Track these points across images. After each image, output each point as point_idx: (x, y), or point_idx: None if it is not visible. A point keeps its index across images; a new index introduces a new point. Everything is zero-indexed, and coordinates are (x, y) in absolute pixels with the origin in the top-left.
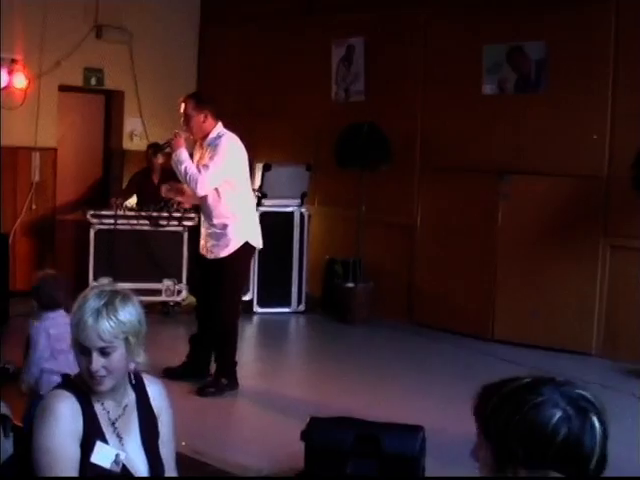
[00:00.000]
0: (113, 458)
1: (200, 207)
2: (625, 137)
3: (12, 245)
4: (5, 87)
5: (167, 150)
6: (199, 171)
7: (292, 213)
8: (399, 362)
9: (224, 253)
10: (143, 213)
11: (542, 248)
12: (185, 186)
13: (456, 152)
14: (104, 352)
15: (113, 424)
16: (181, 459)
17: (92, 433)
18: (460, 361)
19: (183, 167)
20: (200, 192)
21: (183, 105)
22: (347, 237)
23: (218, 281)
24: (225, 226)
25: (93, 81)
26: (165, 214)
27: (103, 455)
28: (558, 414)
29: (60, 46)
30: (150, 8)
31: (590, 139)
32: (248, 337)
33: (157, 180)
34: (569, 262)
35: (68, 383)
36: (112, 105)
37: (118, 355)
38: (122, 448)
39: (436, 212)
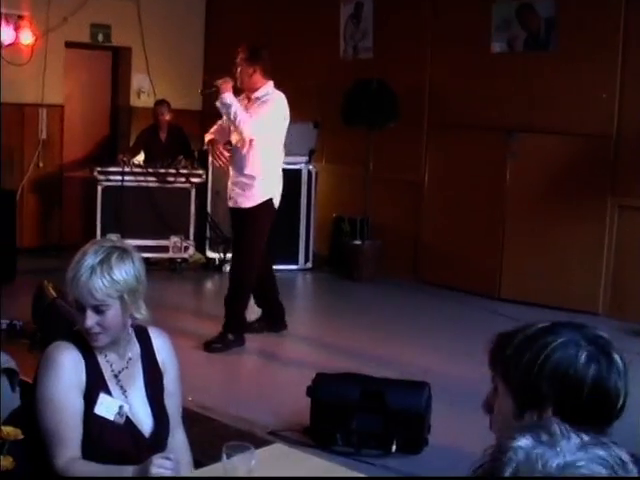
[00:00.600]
0: (117, 410)
1: (232, 156)
2: (634, 96)
3: (19, 202)
4: (12, 43)
5: (213, 90)
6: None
7: (300, 171)
8: (405, 319)
9: (246, 204)
10: (150, 170)
11: (550, 207)
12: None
13: (464, 110)
14: (98, 310)
15: (116, 376)
16: (187, 414)
17: (95, 385)
18: (465, 319)
19: (232, 109)
20: (245, 133)
21: (237, 54)
22: (354, 195)
23: (236, 233)
24: (253, 178)
25: (100, 37)
26: (172, 171)
27: (106, 407)
28: (584, 353)
29: (67, 2)
30: None
31: (599, 98)
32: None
33: (164, 137)
34: (577, 221)
35: (71, 335)
36: (119, 62)
37: (112, 313)
38: (126, 400)
39: (444, 170)
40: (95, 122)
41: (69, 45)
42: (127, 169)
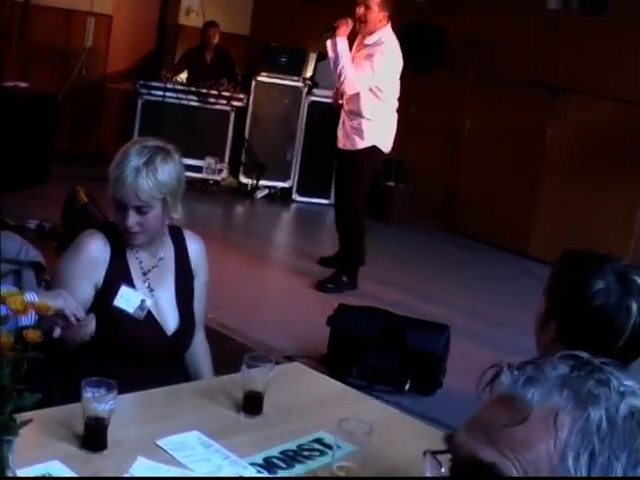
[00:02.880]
0: (138, 303)
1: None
2: None
3: (59, 107)
4: None
5: (328, 34)
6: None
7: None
8: (430, 265)
9: (350, 147)
10: (192, 88)
11: (587, 169)
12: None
13: (512, 64)
14: (140, 210)
15: (145, 274)
16: (206, 330)
17: (117, 278)
18: (492, 273)
19: (341, 61)
20: (347, 90)
21: None
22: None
23: (341, 175)
24: (360, 124)
25: None
26: (214, 92)
27: (127, 299)
28: (600, 285)
29: None
30: None
31: None
32: (284, 224)
33: (210, 58)
34: (613, 189)
35: (105, 226)
36: None
37: (154, 213)
38: (152, 297)
39: (485, 122)
40: (141, 36)
41: None
42: (169, 85)
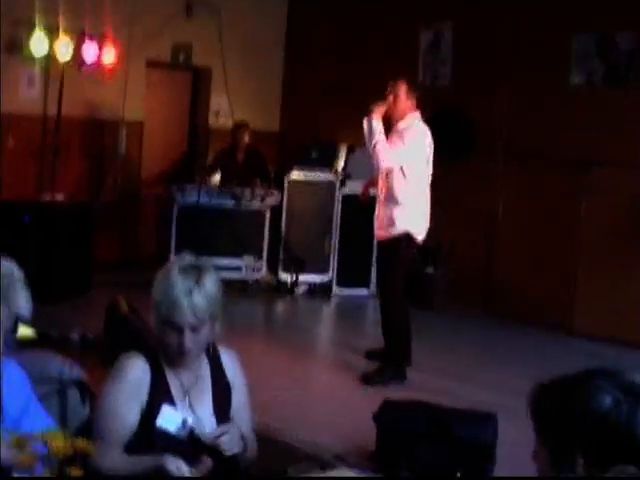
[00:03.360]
0: (180, 423)
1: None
2: None
3: (97, 216)
4: (95, 62)
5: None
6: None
7: (374, 197)
8: (474, 349)
9: (384, 236)
10: (226, 190)
11: (625, 242)
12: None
13: (541, 141)
14: (195, 329)
15: (185, 392)
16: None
17: (160, 398)
18: (538, 354)
19: (375, 136)
20: (382, 164)
21: (394, 86)
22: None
23: (380, 266)
24: (392, 211)
25: (181, 57)
26: (248, 192)
27: (169, 419)
28: (608, 400)
29: (149, 22)
30: None
31: None
32: (326, 318)
33: (241, 159)
34: None
35: (143, 347)
36: (199, 82)
37: (206, 330)
38: (193, 416)
39: (519, 201)
40: (173, 141)
41: (150, 64)
42: (203, 188)
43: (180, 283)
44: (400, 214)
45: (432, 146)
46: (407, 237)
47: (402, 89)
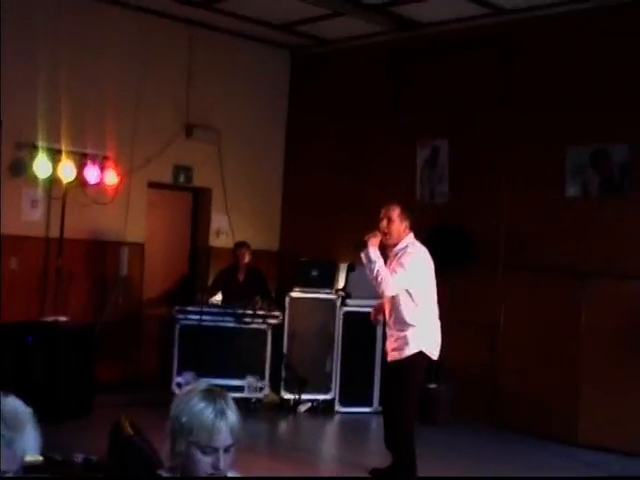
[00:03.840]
0: None
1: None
2: None
3: (98, 336)
4: (97, 183)
5: (361, 246)
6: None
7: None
8: (479, 463)
9: (398, 357)
10: (228, 310)
11: (628, 351)
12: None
13: (540, 253)
14: (228, 450)
15: None
16: None
17: None
18: (542, 465)
19: (376, 266)
20: (387, 292)
21: (387, 210)
22: None
23: (391, 385)
24: (403, 331)
25: (182, 178)
26: (250, 311)
27: None
28: None
29: (150, 144)
30: (238, 105)
31: None
32: (329, 436)
33: (242, 278)
34: None
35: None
36: (199, 202)
37: (233, 450)
38: None
39: (519, 312)
40: (175, 261)
41: (151, 185)
42: (205, 308)
43: (212, 407)
44: (414, 335)
45: (432, 264)
46: (421, 355)
47: (395, 212)
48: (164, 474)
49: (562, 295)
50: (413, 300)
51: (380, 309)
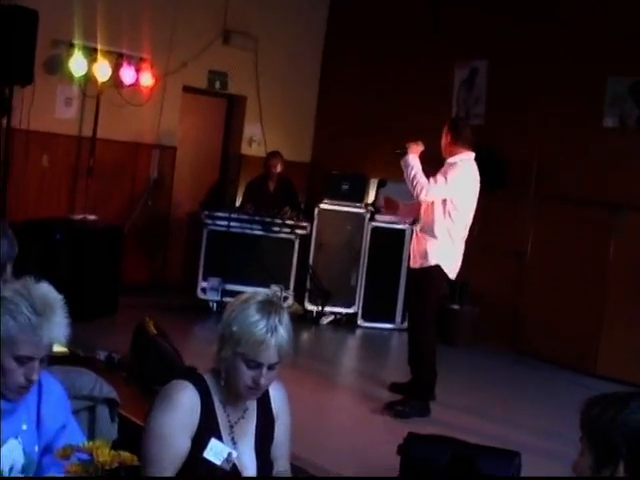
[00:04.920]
0: (225, 456)
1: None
2: None
3: (126, 238)
4: (132, 84)
5: (400, 151)
6: (428, 180)
7: (404, 230)
8: (498, 388)
9: (417, 265)
10: (256, 218)
11: None
12: (401, 205)
13: (572, 183)
14: (272, 367)
15: (231, 427)
16: None
17: (208, 429)
18: (559, 394)
19: (413, 171)
20: (422, 197)
21: (449, 123)
22: None
23: (410, 296)
24: (425, 241)
25: (217, 85)
26: (278, 221)
27: (216, 452)
28: None
29: (187, 48)
30: (277, 15)
31: None
32: (351, 349)
33: (273, 187)
34: None
35: (193, 376)
36: (234, 109)
37: (278, 367)
38: (235, 448)
39: (547, 241)
40: (206, 167)
41: (186, 89)
42: (234, 215)
43: (265, 321)
44: (433, 247)
45: (478, 187)
46: (439, 270)
47: (445, 126)
48: (204, 374)
49: (592, 227)
50: (445, 212)
51: (410, 211)
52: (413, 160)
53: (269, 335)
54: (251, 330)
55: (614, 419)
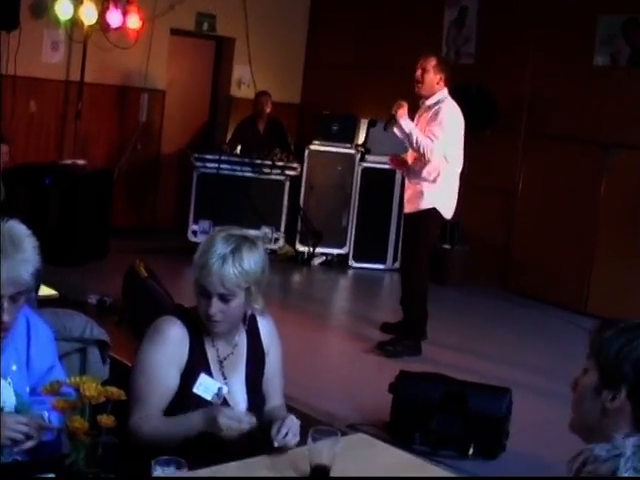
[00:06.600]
0: (215, 391)
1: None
2: None
3: (115, 182)
4: (119, 27)
5: (390, 123)
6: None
7: (394, 171)
8: (488, 326)
9: (412, 210)
10: (246, 160)
11: None
12: (407, 157)
13: (563, 121)
14: (224, 298)
15: (221, 362)
16: None
17: (197, 365)
18: (550, 332)
19: (414, 136)
20: (432, 159)
21: (424, 60)
22: None
23: (406, 238)
24: (421, 185)
25: (205, 26)
26: (268, 162)
27: (206, 387)
28: None
29: None
30: None
31: None
32: (342, 290)
33: (262, 128)
34: None
35: (181, 312)
36: (222, 51)
37: (237, 302)
38: (225, 383)
39: (538, 180)
40: (195, 109)
41: (174, 32)
42: (224, 157)
43: (217, 249)
44: (430, 190)
45: (463, 123)
46: (435, 213)
47: (431, 63)
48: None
49: (583, 165)
50: (440, 156)
51: (401, 160)
52: (407, 124)
53: (214, 262)
54: (200, 256)
55: (626, 345)
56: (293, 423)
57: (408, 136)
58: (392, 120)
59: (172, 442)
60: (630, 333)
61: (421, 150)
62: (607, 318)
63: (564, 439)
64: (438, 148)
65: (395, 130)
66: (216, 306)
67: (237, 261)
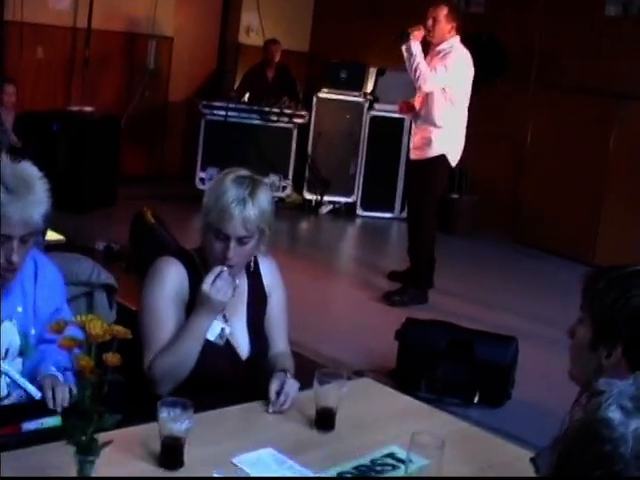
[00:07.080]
0: (218, 332)
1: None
2: None
3: (123, 129)
4: None
5: (403, 36)
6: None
7: (402, 119)
8: (495, 275)
9: (420, 157)
10: (255, 107)
11: None
12: (414, 102)
13: (574, 71)
14: (242, 241)
15: None
16: None
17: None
18: (557, 281)
19: (416, 60)
20: (424, 87)
21: (434, 9)
22: None
23: (412, 186)
24: (430, 132)
25: None
26: (276, 110)
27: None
28: None
29: None
30: None
31: None
32: (349, 238)
33: (271, 76)
34: None
35: (180, 253)
36: None
37: (252, 244)
38: (227, 324)
39: (548, 130)
40: (203, 57)
41: None
42: (232, 105)
43: (234, 192)
44: (438, 136)
45: (472, 71)
46: (443, 160)
47: (442, 13)
48: (191, 251)
49: (593, 116)
50: (447, 100)
51: (410, 105)
52: (415, 48)
53: (234, 205)
54: (218, 200)
55: (619, 298)
56: (292, 390)
57: (412, 57)
58: (405, 37)
59: (187, 360)
60: (623, 284)
61: (417, 74)
62: (599, 266)
63: (570, 388)
64: (434, 80)
65: (403, 48)
66: (235, 250)
67: (256, 202)
